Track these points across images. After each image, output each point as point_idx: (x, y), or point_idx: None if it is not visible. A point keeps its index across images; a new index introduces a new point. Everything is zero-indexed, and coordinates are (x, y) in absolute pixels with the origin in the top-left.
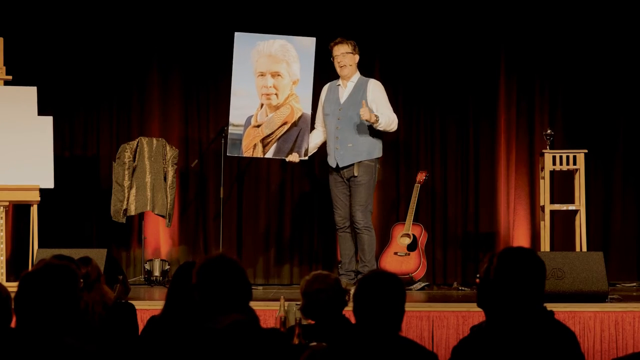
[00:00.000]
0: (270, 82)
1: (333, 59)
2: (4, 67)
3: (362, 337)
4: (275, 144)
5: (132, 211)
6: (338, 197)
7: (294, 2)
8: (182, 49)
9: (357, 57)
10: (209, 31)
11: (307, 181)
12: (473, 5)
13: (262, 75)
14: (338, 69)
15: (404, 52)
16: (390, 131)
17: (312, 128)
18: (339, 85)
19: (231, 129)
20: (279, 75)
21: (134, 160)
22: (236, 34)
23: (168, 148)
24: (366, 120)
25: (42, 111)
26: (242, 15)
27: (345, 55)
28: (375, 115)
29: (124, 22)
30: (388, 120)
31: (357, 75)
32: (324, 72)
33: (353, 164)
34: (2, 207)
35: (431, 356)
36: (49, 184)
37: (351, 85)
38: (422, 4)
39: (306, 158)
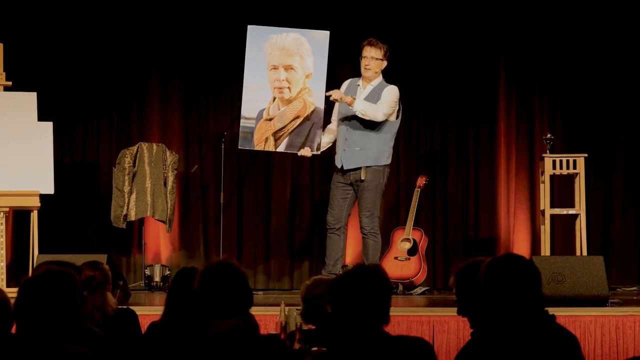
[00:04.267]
0: (283, 75)
1: (361, 58)
2: (4, 73)
3: (341, 333)
4: (287, 138)
5: (133, 216)
6: (336, 197)
7: (290, 6)
8: (182, 55)
9: (384, 64)
10: (209, 38)
11: (307, 186)
12: (473, 11)
13: (274, 68)
14: (362, 69)
15: (404, 57)
16: (373, 119)
17: (329, 122)
18: (358, 84)
19: (243, 122)
20: (292, 68)
21: (134, 166)
22: (249, 27)
23: (168, 153)
24: (336, 99)
25: (42, 117)
26: (241, 24)
27: (373, 60)
28: (352, 97)
29: (124, 29)
30: (369, 107)
31: (379, 79)
32: (336, 66)
33: (359, 168)
34: (2, 213)
35: (420, 342)
36: (49, 189)
37: (370, 88)
38: (422, 9)
39: (318, 153)
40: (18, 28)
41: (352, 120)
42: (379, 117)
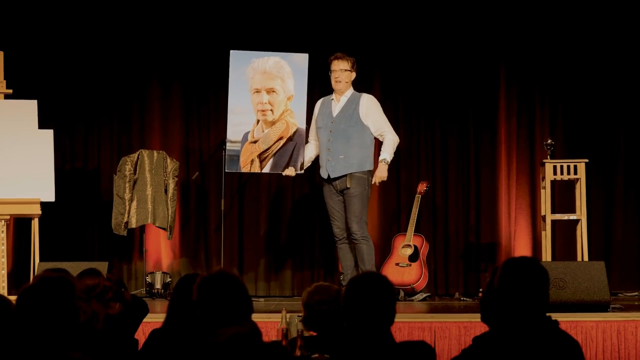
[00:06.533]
0: (265, 98)
1: (330, 72)
2: (4, 81)
3: (352, 337)
4: (272, 159)
5: (133, 224)
6: (334, 209)
7: (296, 15)
8: (183, 63)
9: (353, 75)
10: (209, 45)
11: (308, 192)
12: (473, 17)
13: (257, 91)
14: (333, 83)
15: (404, 64)
16: (396, 143)
17: (306, 142)
18: (332, 99)
19: (229, 146)
20: (273, 91)
21: (134, 173)
22: (232, 52)
23: (169, 160)
24: (384, 179)
25: (42, 124)
26: (241, 31)
27: (343, 72)
28: (384, 164)
29: (125, 36)
30: (391, 148)
31: (351, 90)
32: (317, 87)
33: (345, 176)
34: (3, 221)
35: (421, 345)
36: (50, 197)
37: (344, 99)
38: (423, 15)
39: (302, 172)
40: (18, 36)
41: (333, 130)
42: (396, 140)
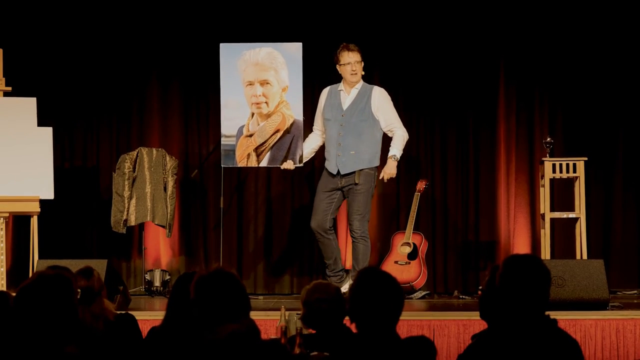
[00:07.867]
0: (259, 90)
1: (341, 64)
2: (4, 78)
3: (359, 335)
4: (269, 153)
5: (133, 221)
6: (322, 202)
7: (293, 6)
8: (182, 61)
9: (362, 65)
10: (209, 43)
11: (307, 191)
12: (473, 16)
13: (250, 84)
14: (348, 76)
15: (404, 62)
16: (406, 139)
17: (310, 131)
18: (340, 90)
19: (224, 140)
20: (267, 83)
21: (133, 171)
22: (221, 45)
23: (168, 158)
24: (392, 176)
25: (41, 122)
26: (239, 24)
27: (358, 64)
28: (393, 161)
29: (124, 34)
30: (401, 143)
31: (361, 82)
32: (313, 76)
33: (354, 172)
34: (2, 219)
35: (421, 340)
36: (49, 195)
37: (355, 92)
38: (423, 14)
39: (301, 165)
40: (18, 33)
41: (344, 125)
42: (406, 136)
